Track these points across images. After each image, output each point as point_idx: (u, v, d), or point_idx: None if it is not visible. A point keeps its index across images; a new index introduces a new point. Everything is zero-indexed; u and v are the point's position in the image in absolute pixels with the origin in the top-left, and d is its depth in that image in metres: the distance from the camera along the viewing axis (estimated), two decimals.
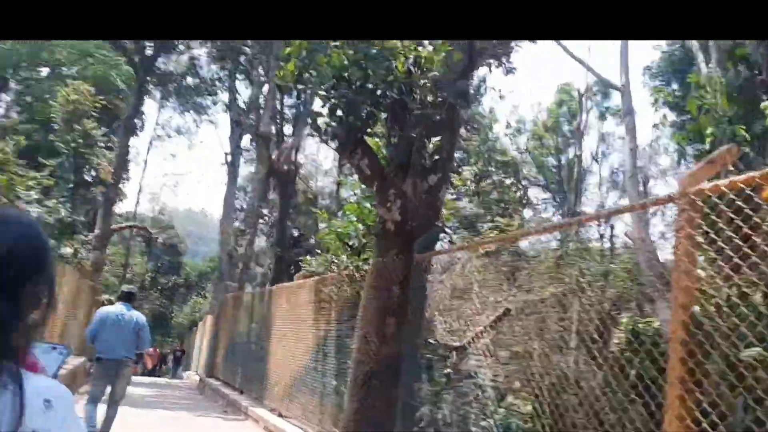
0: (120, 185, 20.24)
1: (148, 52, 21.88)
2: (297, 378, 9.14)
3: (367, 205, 8.12)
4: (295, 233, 36.66)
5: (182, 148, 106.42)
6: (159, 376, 28.20)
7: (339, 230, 7.78)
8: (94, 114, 24.01)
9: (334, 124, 5.80)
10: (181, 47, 27.63)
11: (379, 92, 5.68)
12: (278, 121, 22.88)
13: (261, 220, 37.20)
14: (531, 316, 6.74)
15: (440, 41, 5.60)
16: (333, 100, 5.74)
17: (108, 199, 19.16)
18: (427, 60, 5.69)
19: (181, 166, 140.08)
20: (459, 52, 5.78)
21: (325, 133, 5.88)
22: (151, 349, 23.69)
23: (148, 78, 20.24)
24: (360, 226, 7.62)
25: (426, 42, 5.80)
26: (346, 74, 5.61)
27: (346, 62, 5.51)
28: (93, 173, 21.54)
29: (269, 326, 10.78)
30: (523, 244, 6.79)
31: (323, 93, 5.74)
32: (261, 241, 45.66)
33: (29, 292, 1.03)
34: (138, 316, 7.54)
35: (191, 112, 38.20)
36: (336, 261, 7.61)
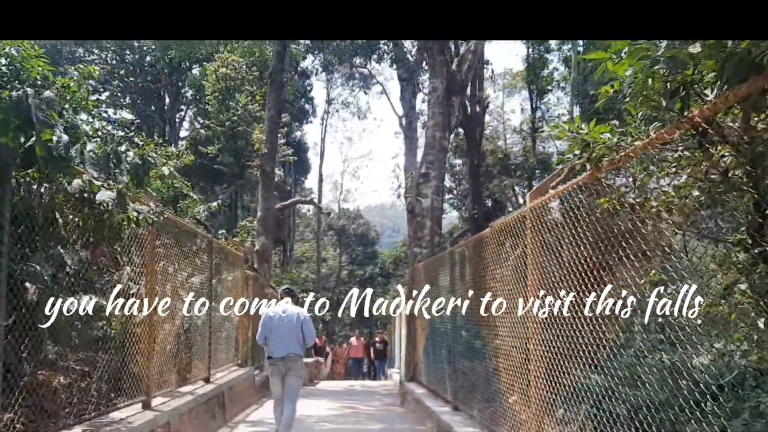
0: (277, 155, 16.77)
1: None
2: (571, 388, 4.19)
3: None
4: (488, 203, 31.56)
5: (357, 131, 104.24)
6: (370, 374, 24.05)
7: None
8: (248, 88, 21.20)
9: None
10: None
11: None
12: None
13: (449, 181, 32.67)
14: None
15: None
16: None
17: (265, 172, 15.70)
18: None
19: (360, 151, 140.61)
20: None
21: None
22: (317, 340, 19.54)
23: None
24: None
25: None
26: None
27: None
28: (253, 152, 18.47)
29: (493, 298, 5.85)
30: None
31: None
32: (452, 216, 41.45)
33: None
34: (300, 311, 7.58)
35: (357, 78, 34.95)
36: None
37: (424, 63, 33.00)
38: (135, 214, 5.15)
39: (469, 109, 19.89)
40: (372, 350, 22.29)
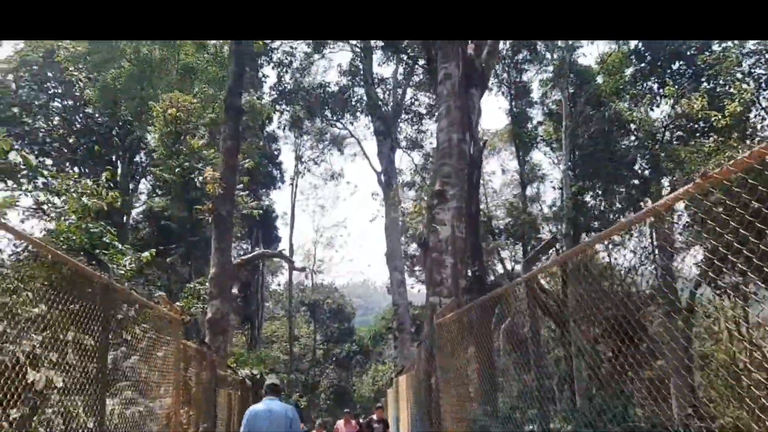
0: (235, 196, 13.34)
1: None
2: None
3: None
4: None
5: (330, 198, 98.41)
6: None
7: None
8: (202, 129, 18.03)
9: None
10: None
11: None
12: None
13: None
14: None
15: None
16: None
17: (220, 218, 12.25)
18: None
19: (334, 219, 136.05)
20: None
21: None
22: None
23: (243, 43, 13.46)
24: None
25: None
26: None
27: None
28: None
29: None
30: None
31: None
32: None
33: None
34: (288, 408, 7.25)
35: (328, 138, 32.13)
36: None
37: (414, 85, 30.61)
38: None
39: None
40: None
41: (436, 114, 8.95)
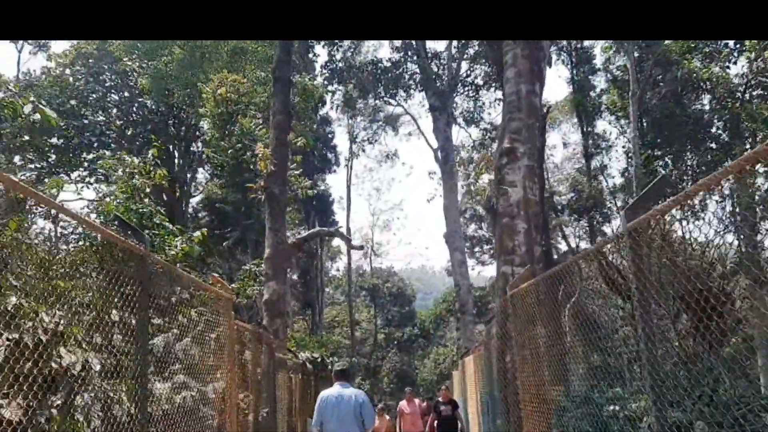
0: (286, 175, 12.80)
1: None
2: None
3: None
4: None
5: (386, 180, 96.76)
6: None
7: None
8: (253, 110, 17.62)
9: None
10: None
11: None
12: None
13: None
14: None
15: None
16: None
17: (272, 196, 11.75)
18: None
19: (390, 202, 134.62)
20: None
21: None
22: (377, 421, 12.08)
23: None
24: None
25: None
26: None
27: None
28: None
29: None
30: None
31: None
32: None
33: None
34: (357, 393, 7.27)
35: (381, 118, 31.42)
36: None
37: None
38: None
39: None
40: (436, 418, 12.34)
41: (503, 62, 8.05)
